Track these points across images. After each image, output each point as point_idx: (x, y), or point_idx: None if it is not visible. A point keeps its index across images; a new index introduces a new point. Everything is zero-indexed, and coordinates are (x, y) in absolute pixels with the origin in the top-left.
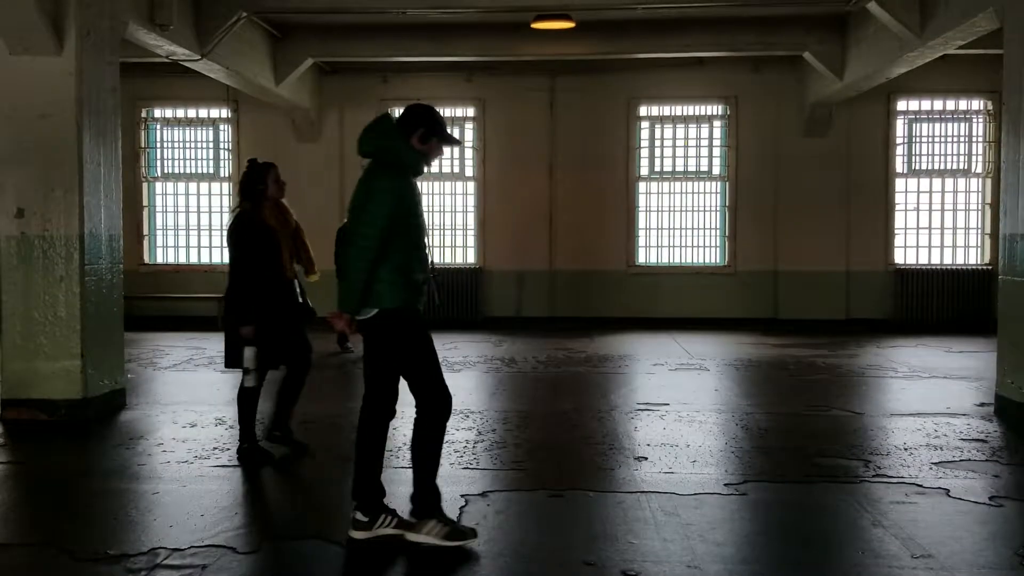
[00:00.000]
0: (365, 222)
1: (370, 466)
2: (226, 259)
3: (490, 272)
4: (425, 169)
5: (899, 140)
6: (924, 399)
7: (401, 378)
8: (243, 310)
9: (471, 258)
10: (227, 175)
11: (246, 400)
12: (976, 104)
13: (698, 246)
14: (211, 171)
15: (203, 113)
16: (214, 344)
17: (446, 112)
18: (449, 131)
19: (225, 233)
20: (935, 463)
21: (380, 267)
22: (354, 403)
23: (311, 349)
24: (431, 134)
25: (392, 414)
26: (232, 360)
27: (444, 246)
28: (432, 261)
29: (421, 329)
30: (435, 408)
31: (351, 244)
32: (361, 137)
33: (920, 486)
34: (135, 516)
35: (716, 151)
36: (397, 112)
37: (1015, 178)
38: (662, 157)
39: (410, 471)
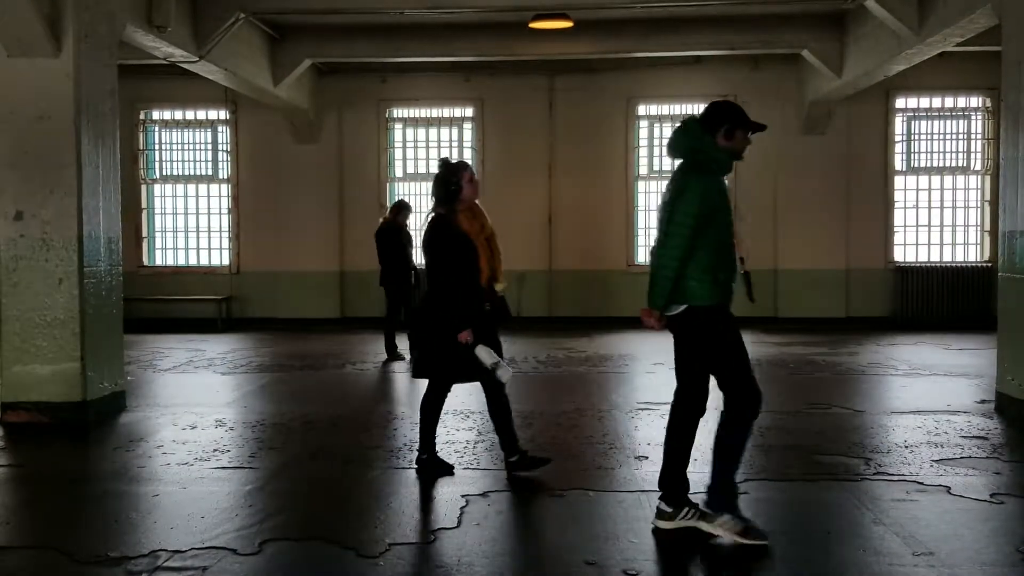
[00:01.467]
0: (676, 221)
1: (679, 460)
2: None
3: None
4: (733, 166)
5: (898, 137)
6: (924, 396)
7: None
8: (456, 317)
9: None
10: (226, 177)
11: (429, 409)
12: (975, 101)
13: None
14: (210, 173)
15: (201, 115)
16: (213, 346)
17: (444, 112)
18: (748, 117)
19: (420, 241)
20: (936, 460)
21: (688, 265)
22: (357, 405)
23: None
24: (734, 127)
25: (703, 411)
26: (422, 370)
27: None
28: (742, 258)
29: (731, 326)
30: (745, 404)
31: (661, 243)
32: (671, 140)
33: (921, 483)
34: (135, 518)
35: None
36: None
37: (1014, 175)
38: (661, 156)
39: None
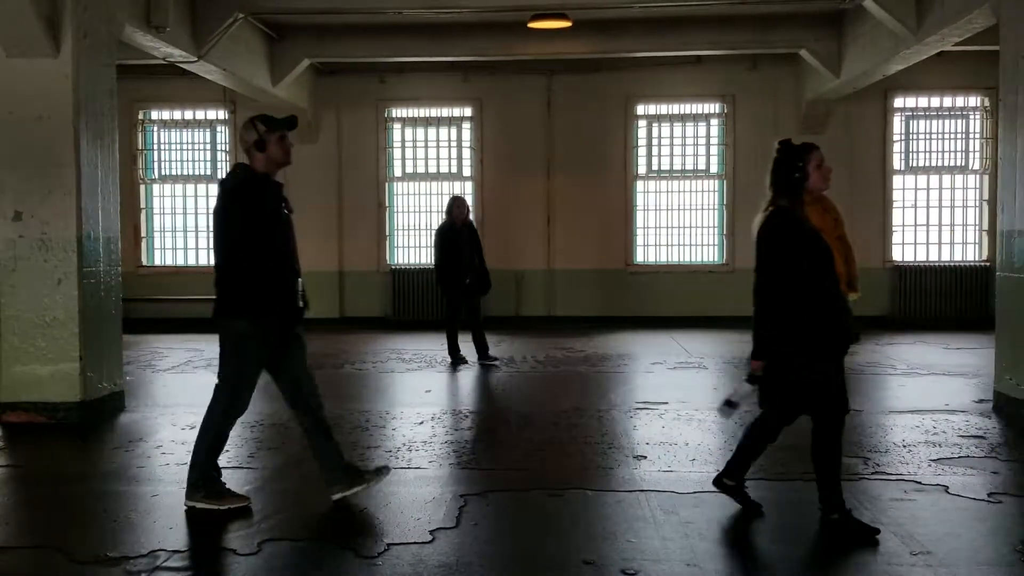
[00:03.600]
0: None
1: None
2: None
3: (488, 272)
4: None
5: (896, 137)
6: (922, 396)
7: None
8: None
9: None
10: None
11: (758, 438)
12: (973, 100)
13: (696, 244)
14: (209, 173)
15: (200, 115)
16: (212, 346)
17: (443, 112)
18: None
19: (754, 238)
20: (934, 460)
21: None
22: (356, 405)
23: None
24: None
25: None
26: (769, 399)
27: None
28: None
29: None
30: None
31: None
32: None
33: (919, 483)
34: (134, 518)
35: (714, 149)
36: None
37: (1012, 174)
38: (660, 156)
39: None
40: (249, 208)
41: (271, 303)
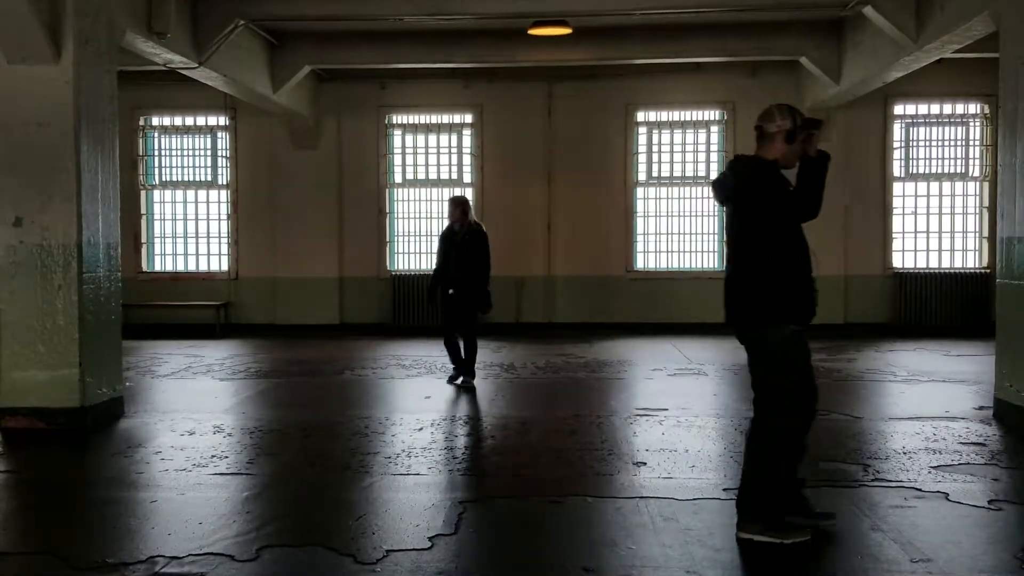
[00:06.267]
0: None
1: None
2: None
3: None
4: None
5: (896, 144)
6: (923, 403)
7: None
8: None
9: None
10: (225, 182)
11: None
12: (973, 108)
13: (696, 251)
14: (209, 179)
15: (201, 121)
16: (212, 352)
17: (443, 118)
18: None
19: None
20: (934, 467)
21: None
22: (355, 411)
23: None
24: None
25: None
26: None
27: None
28: None
29: None
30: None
31: None
32: None
33: (919, 490)
34: (133, 524)
35: (714, 156)
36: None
37: (1012, 181)
38: (660, 162)
39: None
40: (775, 200)
41: (810, 300)
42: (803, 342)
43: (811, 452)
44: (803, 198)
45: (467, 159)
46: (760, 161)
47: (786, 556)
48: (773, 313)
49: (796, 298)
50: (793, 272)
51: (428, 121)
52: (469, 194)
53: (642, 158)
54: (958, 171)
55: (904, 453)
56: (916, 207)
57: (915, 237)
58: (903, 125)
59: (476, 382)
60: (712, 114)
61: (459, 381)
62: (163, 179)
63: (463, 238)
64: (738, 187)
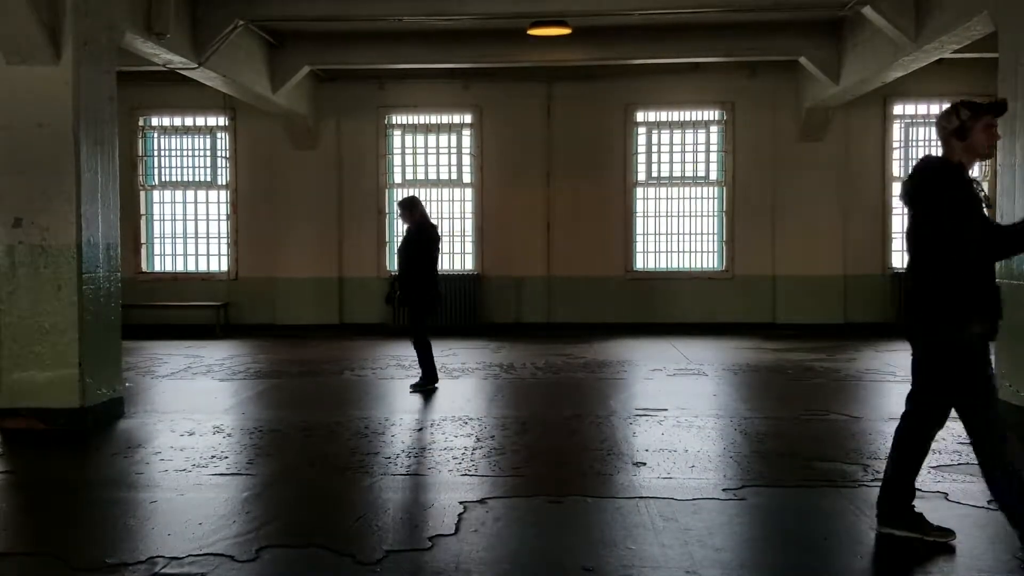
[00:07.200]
0: None
1: None
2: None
3: (488, 278)
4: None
5: (896, 144)
6: None
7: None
8: None
9: (469, 264)
10: (224, 183)
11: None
12: None
13: (696, 251)
14: (209, 179)
15: (200, 121)
16: (211, 352)
17: (443, 119)
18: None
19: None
20: (933, 467)
21: None
22: (355, 411)
23: None
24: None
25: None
26: None
27: (442, 253)
28: None
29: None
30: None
31: None
32: None
33: (918, 490)
34: (133, 525)
35: (713, 156)
36: (393, 119)
37: (1011, 181)
38: (659, 162)
39: None
40: (954, 200)
41: (995, 302)
42: (984, 348)
43: (810, 452)
44: (994, 238)
45: (466, 159)
46: (938, 163)
47: (789, 556)
48: (952, 316)
49: (982, 295)
50: (977, 270)
51: (427, 121)
52: (468, 194)
53: (641, 158)
54: None
55: None
56: None
57: None
58: (902, 125)
59: (476, 382)
60: (711, 114)
61: (418, 391)
62: (163, 179)
63: (403, 239)
64: (913, 188)
